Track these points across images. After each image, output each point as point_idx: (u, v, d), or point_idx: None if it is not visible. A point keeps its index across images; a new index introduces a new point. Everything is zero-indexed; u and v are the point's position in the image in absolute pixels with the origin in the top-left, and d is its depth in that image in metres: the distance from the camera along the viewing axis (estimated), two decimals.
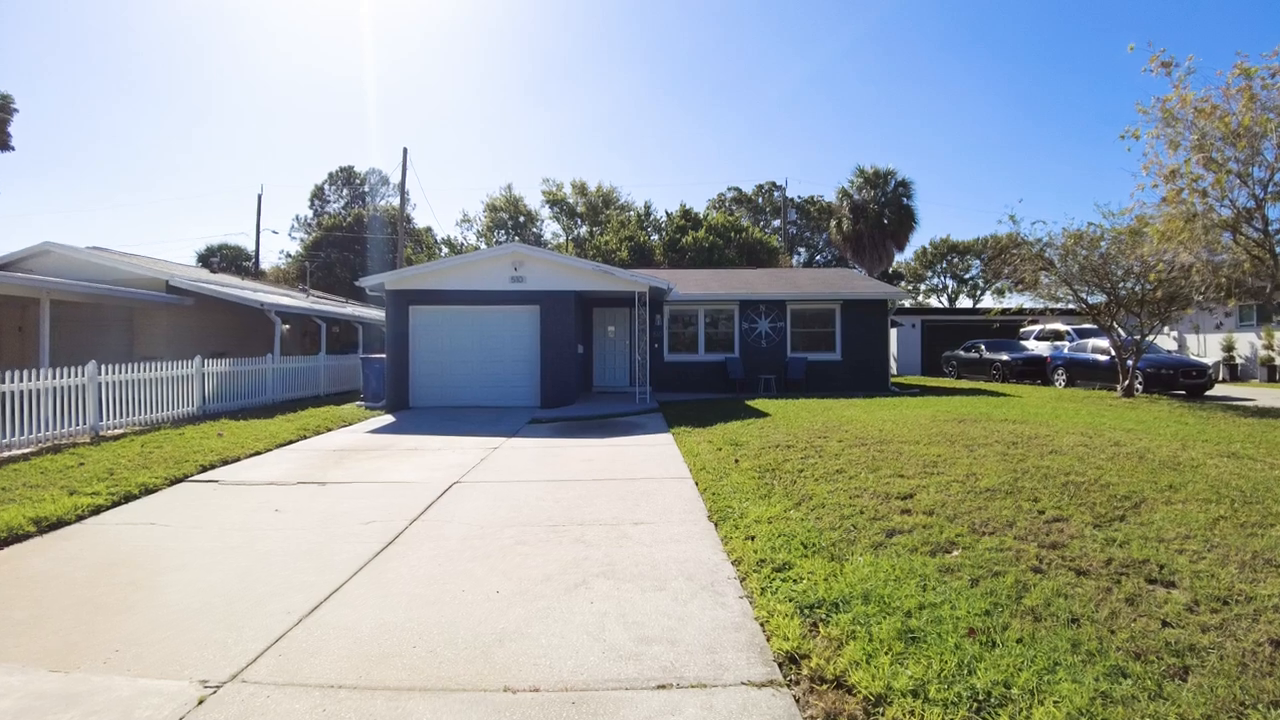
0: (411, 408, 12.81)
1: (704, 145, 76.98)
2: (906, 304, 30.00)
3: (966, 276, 54.12)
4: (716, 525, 4.71)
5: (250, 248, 37.48)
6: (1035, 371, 19.08)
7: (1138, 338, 12.96)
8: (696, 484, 5.93)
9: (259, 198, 36.04)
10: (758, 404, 12.15)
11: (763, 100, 75.29)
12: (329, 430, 10.11)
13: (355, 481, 6.59)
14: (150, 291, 13.90)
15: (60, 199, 67.20)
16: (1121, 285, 12.47)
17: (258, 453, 8.25)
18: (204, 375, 11.46)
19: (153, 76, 70.87)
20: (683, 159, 76.24)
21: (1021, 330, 24.56)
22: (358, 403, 13.41)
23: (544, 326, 12.66)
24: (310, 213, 45.43)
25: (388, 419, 11.41)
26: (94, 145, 69.66)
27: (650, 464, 7.01)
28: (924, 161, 72.18)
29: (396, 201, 48.92)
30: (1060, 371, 17.83)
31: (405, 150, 25.64)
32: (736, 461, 6.58)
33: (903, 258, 38.48)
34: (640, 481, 6.18)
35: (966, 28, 67.04)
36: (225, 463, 7.64)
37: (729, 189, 51.05)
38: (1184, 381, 14.93)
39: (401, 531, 4.83)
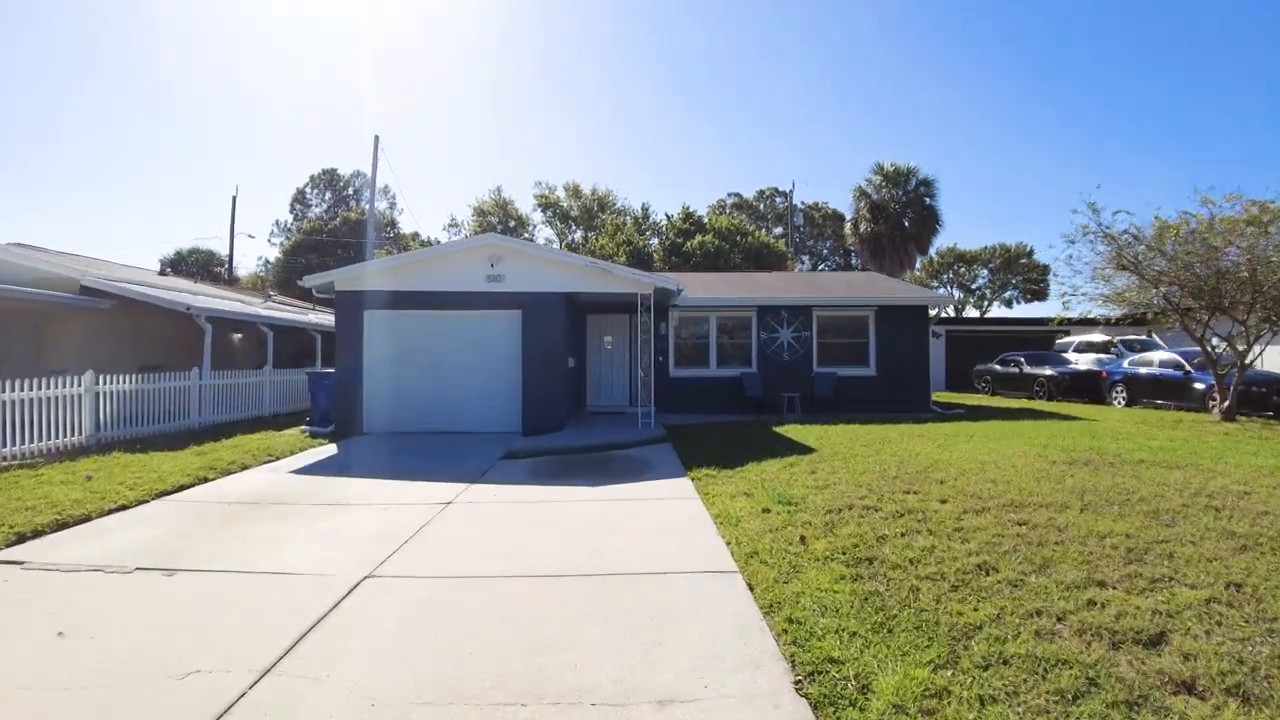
0: (365, 434, 10.51)
1: (702, 149, 75.14)
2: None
3: (974, 286, 52.35)
4: (817, 711, 2.44)
5: (225, 252, 35.16)
6: (1086, 388, 16.92)
7: (1242, 349, 10.78)
8: (751, 588, 3.65)
9: (233, 199, 33.83)
10: (788, 430, 9.90)
11: (766, 99, 73.61)
12: (245, 468, 7.81)
13: (222, 570, 4.30)
14: (55, 292, 11.58)
15: (24, 199, 64.25)
16: (1222, 285, 10.30)
17: (124, 506, 5.97)
18: (97, 395, 9.14)
19: (124, 71, 68.66)
20: (680, 162, 74.30)
21: (1058, 343, 22.51)
22: (302, 427, 11.10)
23: (527, 335, 10.40)
24: (290, 217, 43.20)
25: (328, 451, 9.11)
26: (58, 144, 66.90)
27: (669, 539, 4.72)
28: (930, 168, 70.49)
29: (382, 206, 46.82)
30: (1119, 388, 15.67)
31: (376, 138, 23.27)
32: (803, 541, 4.30)
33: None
34: (657, 581, 3.89)
35: (971, 22, 65.64)
36: (62, 526, 5.37)
37: (729, 194, 49.25)
38: (1277, 400, 12.82)
39: (229, 709, 2.56)
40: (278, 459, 8.50)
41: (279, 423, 12.23)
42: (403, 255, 10.48)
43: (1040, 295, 50.61)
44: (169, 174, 70.51)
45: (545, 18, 68.59)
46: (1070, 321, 27.63)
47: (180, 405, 10.74)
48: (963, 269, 51.38)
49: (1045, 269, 50.12)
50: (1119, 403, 15.52)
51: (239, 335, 16.61)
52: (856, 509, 4.97)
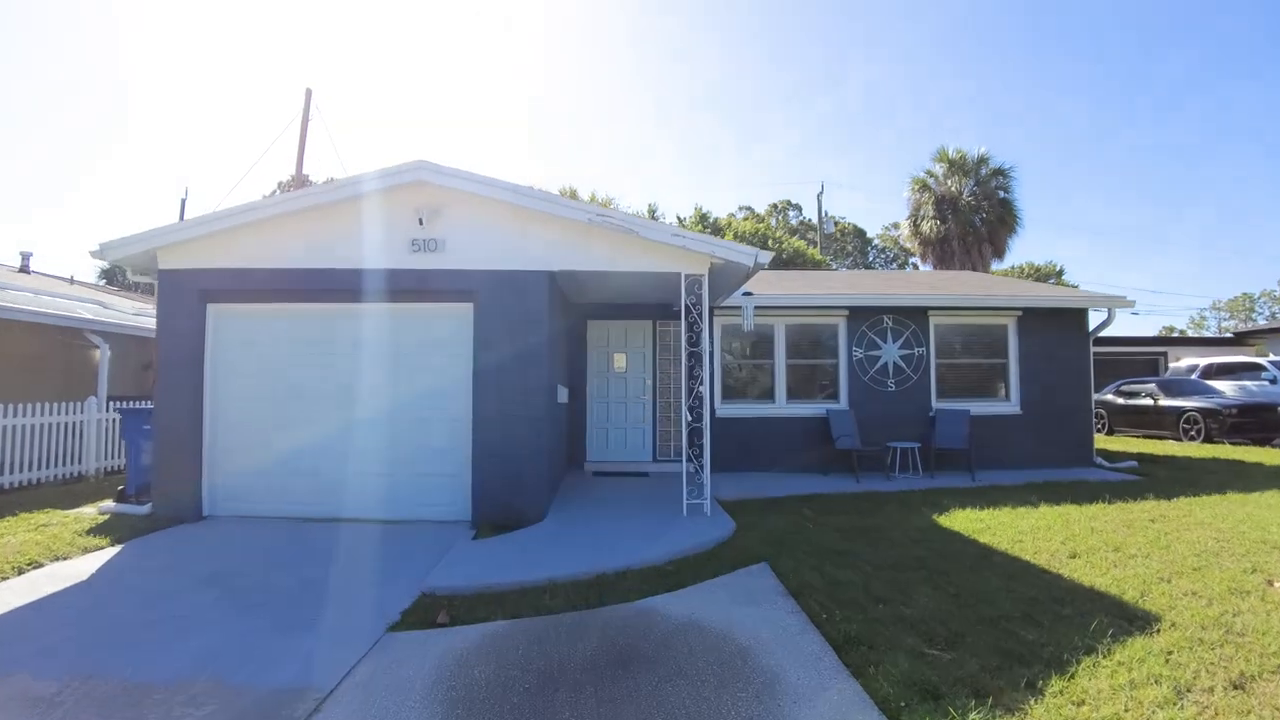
0: (205, 518, 5.98)
1: (707, 158, 71.32)
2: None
3: None
4: None
5: None
6: (1261, 426, 12.44)
7: None
8: None
9: (182, 203, 29.43)
10: (966, 523, 5.37)
11: (769, 100, 70.15)
12: None
13: None
14: None
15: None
16: None
17: None
18: None
19: (89, 64, 64.80)
20: (683, 173, 70.31)
21: (1171, 366, 18.18)
22: (105, 503, 6.51)
23: (484, 346, 5.91)
24: None
25: (77, 571, 4.53)
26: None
27: None
28: None
29: None
30: None
31: (309, 92, 18.70)
32: None
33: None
34: None
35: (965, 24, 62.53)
36: None
37: (740, 208, 45.31)
38: None
39: None
40: None
41: (100, 489, 7.64)
42: (267, 201, 5.97)
43: None
44: (127, 178, 66.14)
45: (539, 20, 65.45)
46: (1165, 341, 23.51)
47: None
48: None
49: (1074, 289, 46.61)
50: None
51: (96, 350, 12.02)
52: None
